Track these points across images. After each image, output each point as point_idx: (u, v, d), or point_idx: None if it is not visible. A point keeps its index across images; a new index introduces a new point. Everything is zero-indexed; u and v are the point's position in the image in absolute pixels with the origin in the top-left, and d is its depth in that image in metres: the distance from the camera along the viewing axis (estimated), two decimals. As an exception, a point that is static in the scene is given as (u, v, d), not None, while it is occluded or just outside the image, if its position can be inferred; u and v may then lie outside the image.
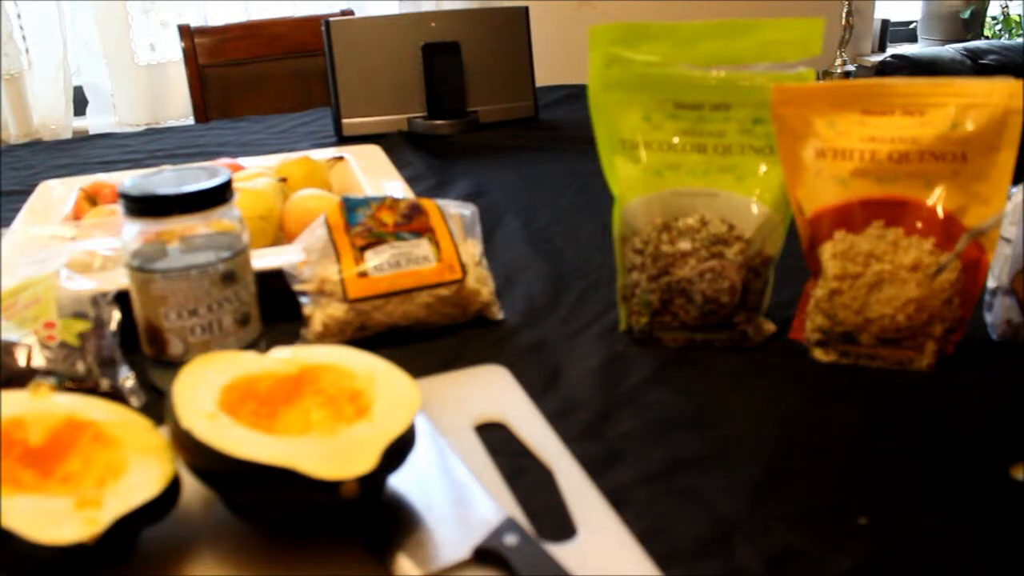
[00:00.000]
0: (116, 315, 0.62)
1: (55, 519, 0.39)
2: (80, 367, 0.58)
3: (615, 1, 2.19)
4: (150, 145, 1.36)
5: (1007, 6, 2.86)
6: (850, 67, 2.19)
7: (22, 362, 0.57)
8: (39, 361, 0.57)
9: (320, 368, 0.50)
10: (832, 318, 0.62)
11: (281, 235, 0.83)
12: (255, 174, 0.87)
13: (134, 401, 0.59)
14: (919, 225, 0.61)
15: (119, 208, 0.58)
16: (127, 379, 0.60)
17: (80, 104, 2.00)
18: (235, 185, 0.60)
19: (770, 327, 0.68)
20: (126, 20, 2.01)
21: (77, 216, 0.88)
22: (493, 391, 0.60)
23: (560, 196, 1.05)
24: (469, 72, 1.33)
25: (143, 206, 0.57)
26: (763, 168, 0.65)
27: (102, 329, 0.61)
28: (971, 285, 0.61)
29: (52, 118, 1.88)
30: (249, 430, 0.44)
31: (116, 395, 0.58)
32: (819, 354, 0.64)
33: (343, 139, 1.32)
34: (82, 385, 0.57)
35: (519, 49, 1.37)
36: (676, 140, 0.66)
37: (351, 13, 1.99)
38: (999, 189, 0.59)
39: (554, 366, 0.65)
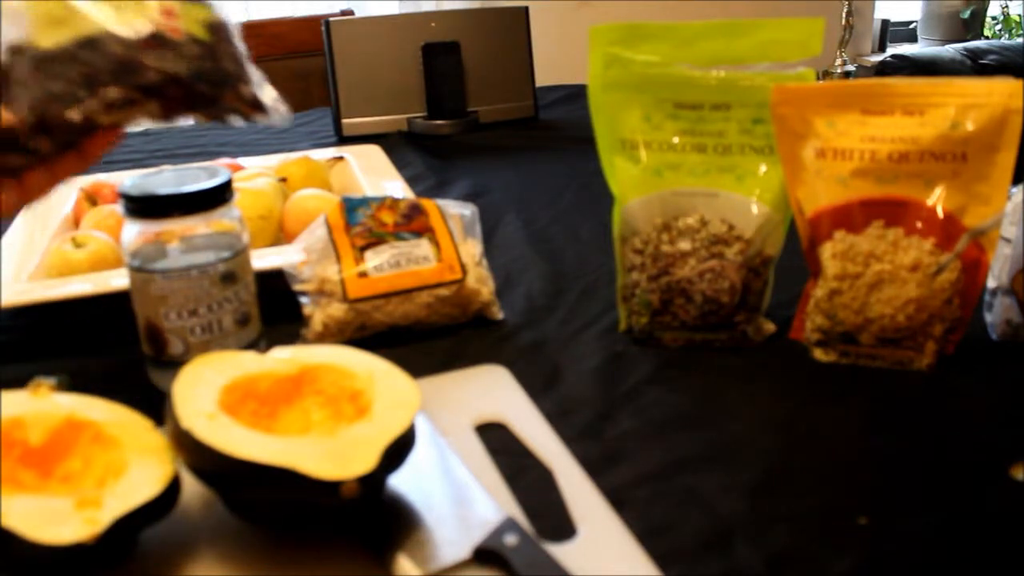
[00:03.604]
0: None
1: (55, 519, 0.39)
2: (226, 66, 0.50)
3: (615, 1, 2.19)
4: (150, 145, 1.36)
5: (1007, 6, 2.86)
6: (850, 67, 2.19)
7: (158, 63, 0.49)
8: (172, 64, 0.49)
9: (320, 368, 0.50)
10: (832, 318, 0.62)
11: (281, 235, 0.83)
12: (255, 174, 0.87)
13: (281, 113, 0.52)
14: (919, 225, 0.61)
15: (119, 208, 0.58)
16: (264, 89, 0.53)
17: (80, 104, 2.00)
18: (235, 185, 0.60)
19: (770, 327, 0.68)
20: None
21: (77, 216, 0.88)
22: (493, 391, 0.60)
23: (560, 196, 1.05)
24: (469, 72, 1.33)
25: (143, 206, 0.57)
26: (763, 168, 0.65)
27: (224, 22, 0.52)
28: (971, 285, 0.61)
29: (52, 118, 1.88)
30: (249, 430, 0.43)
31: (256, 106, 0.52)
32: (819, 354, 0.64)
33: (343, 139, 1.32)
34: (220, 92, 0.51)
35: (519, 49, 1.37)
36: (676, 140, 0.66)
37: (351, 13, 1.99)
38: (999, 189, 0.59)
39: (554, 366, 0.65)
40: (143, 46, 0.48)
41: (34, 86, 0.46)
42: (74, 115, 0.47)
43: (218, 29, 0.51)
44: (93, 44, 0.47)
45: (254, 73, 0.53)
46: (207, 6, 0.51)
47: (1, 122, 0.46)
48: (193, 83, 0.49)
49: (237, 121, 0.52)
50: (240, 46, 0.52)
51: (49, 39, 0.47)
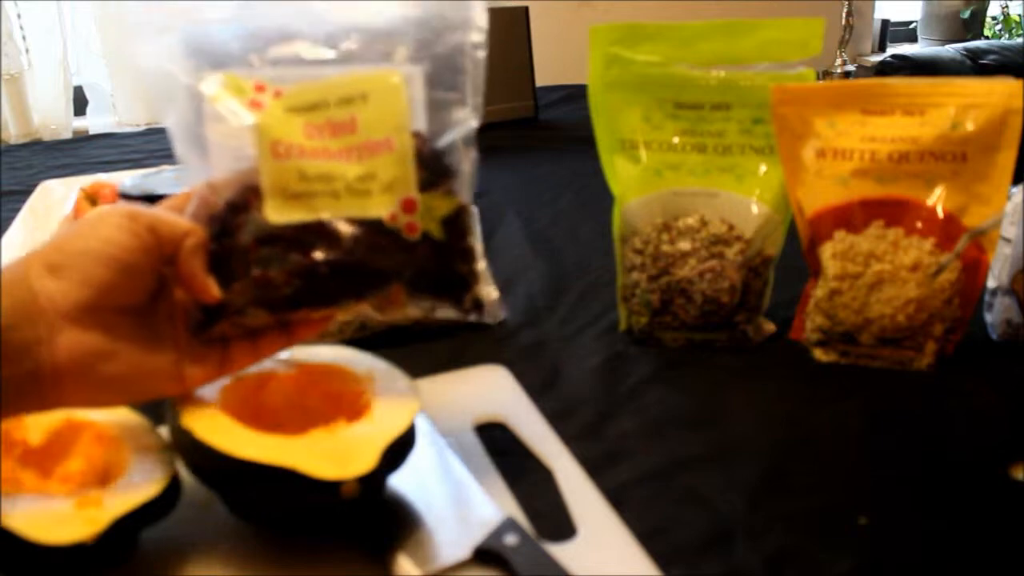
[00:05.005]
0: (468, 167, 0.47)
1: (55, 519, 0.39)
2: (457, 270, 0.45)
3: (615, 1, 2.19)
4: (150, 145, 1.37)
5: (1007, 6, 2.86)
6: (850, 67, 2.19)
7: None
8: (400, 267, 0.44)
9: (320, 368, 0.50)
10: (832, 318, 0.62)
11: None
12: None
13: (494, 316, 0.48)
14: (919, 225, 0.61)
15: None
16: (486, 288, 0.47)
17: (80, 104, 2.00)
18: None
19: (770, 327, 0.68)
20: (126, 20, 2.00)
21: (77, 216, 0.88)
22: (493, 391, 0.60)
23: (560, 196, 1.05)
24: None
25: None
26: (763, 168, 0.65)
27: (464, 211, 0.46)
28: (971, 285, 0.61)
29: (52, 118, 1.87)
30: (249, 430, 0.43)
31: (475, 309, 0.47)
32: (819, 354, 0.64)
33: (343, 139, 1.31)
34: (444, 297, 0.45)
35: (519, 49, 1.37)
36: (676, 140, 0.66)
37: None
38: (999, 189, 0.59)
39: (554, 366, 0.65)
40: (372, 244, 0.43)
41: (253, 262, 0.43)
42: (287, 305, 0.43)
43: (455, 222, 0.45)
44: (321, 231, 0.43)
45: (479, 266, 0.47)
46: (452, 197, 0.46)
47: (215, 295, 0.43)
48: (417, 287, 0.45)
49: (449, 313, 0.47)
50: (474, 239, 0.47)
51: (279, 214, 0.43)
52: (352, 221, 0.43)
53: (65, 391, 0.40)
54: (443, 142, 0.46)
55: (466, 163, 0.47)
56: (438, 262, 0.45)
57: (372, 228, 0.44)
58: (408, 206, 0.44)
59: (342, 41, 0.45)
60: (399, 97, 0.45)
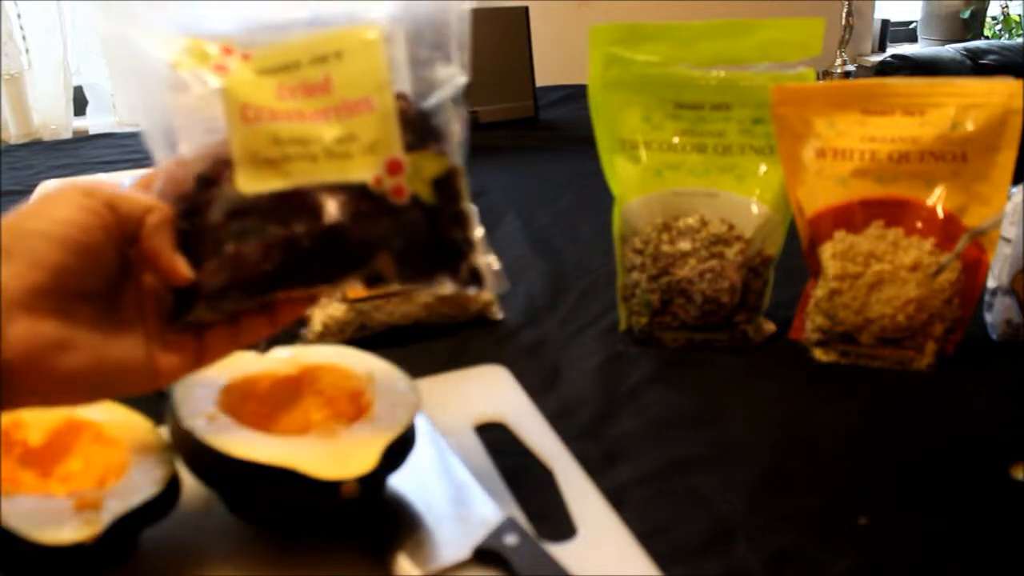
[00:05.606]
0: (458, 128, 0.43)
1: (55, 519, 0.39)
2: (450, 236, 0.42)
3: (615, 1, 2.19)
4: (150, 145, 1.36)
5: (1007, 6, 2.86)
6: (850, 67, 2.19)
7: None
8: (386, 236, 0.40)
9: (320, 368, 0.50)
10: (832, 318, 0.62)
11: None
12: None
13: (498, 283, 0.43)
14: (919, 225, 0.61)
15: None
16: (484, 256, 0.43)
17: (80, 104, 2.00)
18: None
19: (770, 327, 0.68)
20: (126, 20, 2.00)
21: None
22: (493, 391, 0.60)
23: (560, 196, 1.05)
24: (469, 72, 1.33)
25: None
26: (763, 168, 0.65)
27: (455, 171, 0.42)
28: (971, 285, 0.61)
29: (52, 118, 1.87)
30: (249, 430, 0.43)
31: (474, 279, 0.43)
32: (819, 354, 0.64)
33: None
34: (438, 267, 0.42)
35: (519, 49, 1.37)
36: (676, 140, 0.66)
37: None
38: (999, 189, 0.59)
39: (554, 366, 0.65)
40: (356, 211, 0.40)
41: (225, 239, 0.39)
42: (265, 286, 0.40)
43: (446, 185, 0.42)
44: (299, 201, 0.39)
45: (476, 233, 0.43)
46: (441, 157, 0.42)
47: (185, 274, 0.39)
48: (407, 257, 0.41)
49: (446, 289, 0.43)
50: (467, 201, 0.43)
51: (252, 183, 0.39)
52: (333, 187, 0.40)
53: (19, 388, 0.35)
54: (430, 103, 0.42)
55: (455, 123, 0.42)
56: (429, 228, 0.41)
57: (355, 193, 0.40)
58: (393, 167, 0.40)
59: None
60: (377, 53, 0.41)
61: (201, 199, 0.40)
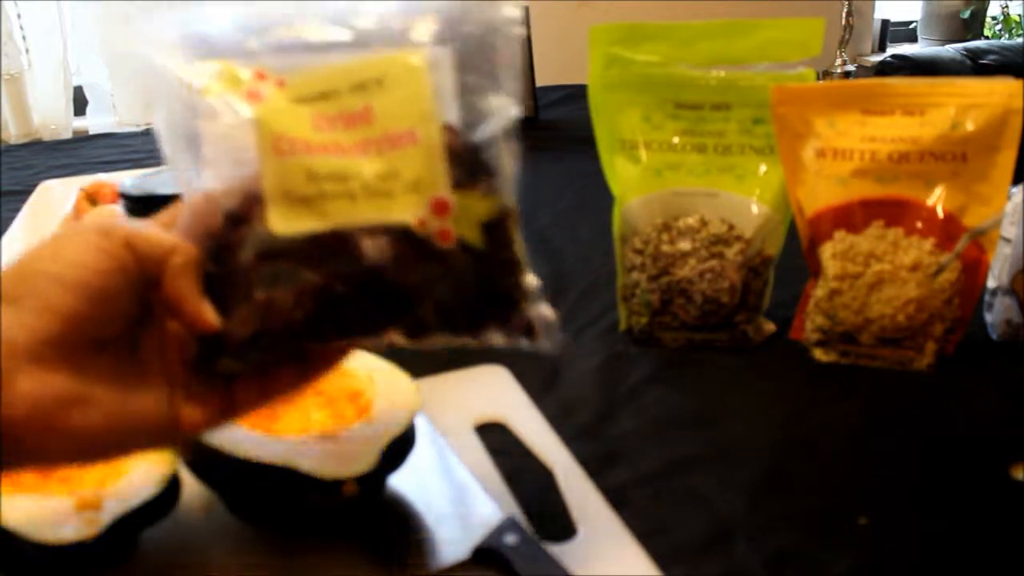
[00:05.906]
0: (510, 164, 0.38)
1: (55, 519, 0.39)
2: (501, 284, 0.38)
3: (615, 1, 2.19)
4: (150, 145, 1.36)
5: (1007, 6, 2.86)
6: (850, 67, 2.19)
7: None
8: (431, 284, 0.37)
9: (320, 368, 0.50)
10: (832, 318, 0.62)
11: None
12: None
13: (553, 340, 0.39)
14: (919, 225, 0.61)
15: (119, 208, 0.58)
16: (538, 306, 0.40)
17: (80, 104, 2.00)
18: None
19: (770, 327, 0.68)
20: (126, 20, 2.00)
21: (78, 216, 0.88)
22: (493, 391, 0.60)
23: (560, 196, 1.05)
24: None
25: (143, 206, 0.57)
26: (763, 168, 0.65)
27: (508, 212, 0.38)
28: (971, 285, 0.61)
29: (52, 118, 1.88)
30: (249, 430, 0.43)
31: (527, 332, 0.39)
32: (819, 354, 0.64)
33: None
34: (486, 319, 0.38)
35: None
36: (676, 140, 0.66)
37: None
38: (999, 189, 0.59)
39: (554, 366, 0.64)
40: (396, 256, 0.36)
41: (256, 284, 0.36)
42: (297, 334, 0.37)
43: (497, 228, 0.38)
44: (336, 243, 0.36)
45: (530, 282, 0.40)
46: (492, 197, 0.38)
47: (211, 322, 0.36)
48: (453, 307, 0.37)
49: (496, 341, 0.39)
50: (520, 245, 0.39)
51: (285, 223, 0.36)
52: (372, 229, 0.36)
53: (26, 447, 0.32)
54: (479, 135, 0.38)
55: (507, 159, 0.38)
56: (477, 276, 0.37)
57: (397, 236, 0.36)
58: (439, 208, 0.36)
59: (354, 19, 0.38)
60: (421, 81, 0.37)
61: (230, 239, 0.37)
